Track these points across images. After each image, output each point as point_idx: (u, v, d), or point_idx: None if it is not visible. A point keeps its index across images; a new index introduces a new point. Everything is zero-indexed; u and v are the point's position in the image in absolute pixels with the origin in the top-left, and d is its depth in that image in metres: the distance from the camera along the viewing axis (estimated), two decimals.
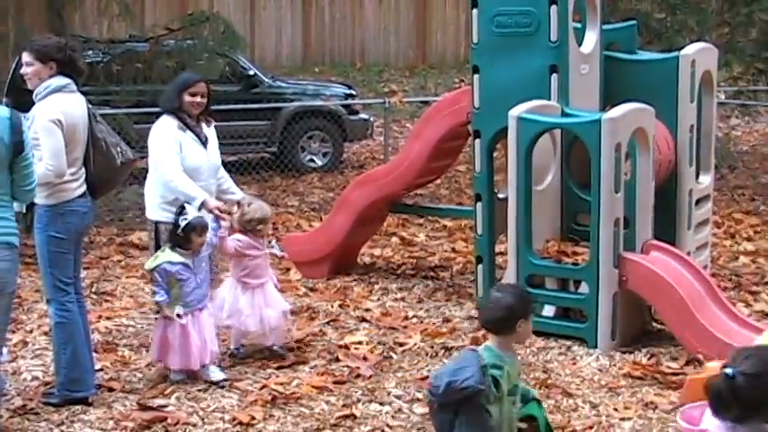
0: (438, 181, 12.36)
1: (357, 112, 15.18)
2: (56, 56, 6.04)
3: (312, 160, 14.82)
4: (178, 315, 6.45)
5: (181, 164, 6.83)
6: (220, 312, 6.96)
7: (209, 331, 6.64)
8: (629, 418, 5.98)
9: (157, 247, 6.86)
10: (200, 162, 6.98)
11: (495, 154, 8.16)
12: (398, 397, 6.36)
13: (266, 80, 14.85)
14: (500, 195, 7.96)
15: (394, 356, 7.09)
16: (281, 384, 6.53)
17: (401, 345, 7.28)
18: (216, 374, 6.63)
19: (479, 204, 7.97)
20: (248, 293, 6.97)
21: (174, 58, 12.29)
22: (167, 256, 6.51)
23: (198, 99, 6.98)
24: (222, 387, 6.50)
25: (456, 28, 23.76)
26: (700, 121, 8.27)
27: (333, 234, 9.05)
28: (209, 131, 7.18)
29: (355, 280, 8.99)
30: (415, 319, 7.90)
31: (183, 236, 6.47)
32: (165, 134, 6.90)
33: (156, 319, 6.90)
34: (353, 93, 15.94)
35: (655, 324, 7.54)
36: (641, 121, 7.22)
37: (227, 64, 14.05)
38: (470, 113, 8.01)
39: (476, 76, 7.87)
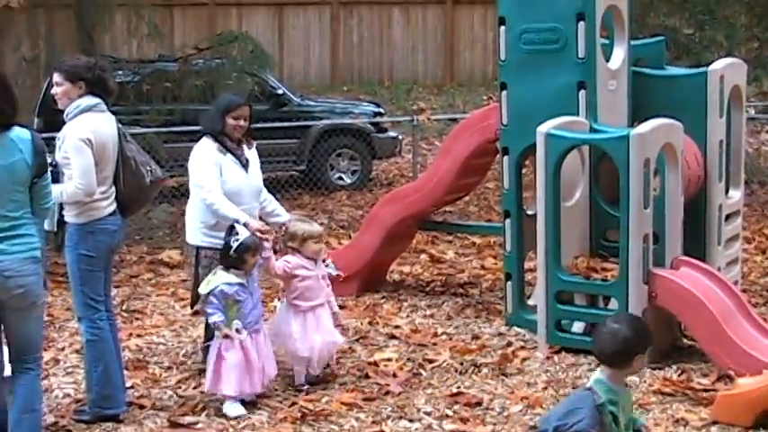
0: (467, 198, 12.36)
1: (386, 130, 15.21)
2: (85, 75, 6.11)
3: (341, 178, 14.86)
4: (237, 330, 6.31)
5: (221, 187, 6.71)
6: (272, 337, 6.78)
7: (267, 353, 6.54)
8: None
9: (197, 273, 6.85)
10: (241, 185, 6.85)
11: (523, 170, 8.18)
12: (428, 413, 6.35)
13: (295, 99, 14.91)
14: (529, 212, 7.96)
15: (423, 373, 7.08)
16: (311, 401, 6.54)
17: (430, 361, 7.28)
18: (233, 411, 6.34)
19: (508, 221, 7.98)
20: (299, 317, 6.73)
21: (202, 78, 12.38)
22: (223, 277, 6.37)
23: (241, 123, 6.90)
24: (252, 404, 6.51)
25: (484, 46, 23.77)
26: (729, 137, 8.24)
27: (362, 251, 9.07)
28: (251, 153, 7.05)
29: (384, 297, 9.00)
30: (444, 336, 7.90)
31: (236, 257, 6.34)
32: (205, 157, 6.80)
33: (203, 348, 6.96)
34: (382, 111, 15.97)
35: (685, 340, 7.51)
36: (670, 136, 7.21)
37: (256, 83, 14.09)
38: (498, 130, 8.03)
39: (503, 93, 7.90)
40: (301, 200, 13.98)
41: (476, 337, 7.86)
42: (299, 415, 6.30)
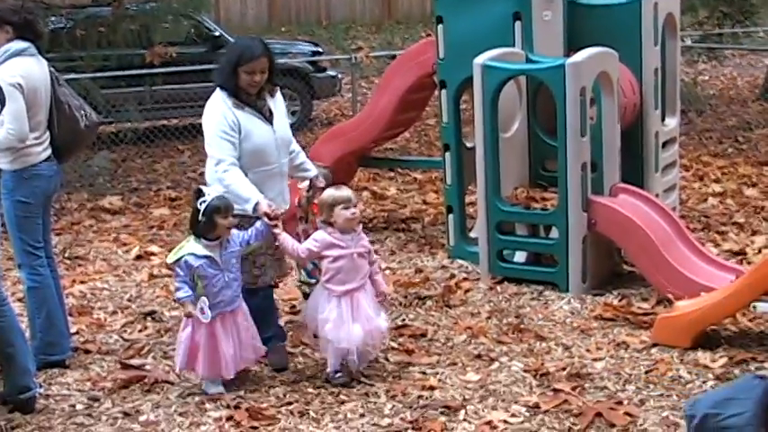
0: (408, 135, 12.41)
1: (324, 70, 15.14)
2: (11, 19, 5.99)
3: None
4: (202, 311, 5.58)
5: (243, 146, 5.75)
6: (313, 321, 5.90)
7: (244, 336, 5.79)
8: (602, 359, 6.05)
9: None
10: (267, 140, 5.86)
11: (462, 105, 8.19)
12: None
13: (232, 40, 14.74)
14: (468, 145, 7.99)
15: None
16: None
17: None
18: (211, 388, 5.75)
19: (448, 154, 8.01)
20: (333, 302, 5.74)
21: (137, 22, 12.22)
22: (191, 247, 5.64)
23: (257, 78, 5.81)
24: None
25: None
26: (664, 65, 8.30)
27: (303, 190, 9.04)
28: (275, 102, 6.04)
29: None
30: (388, 271, 7.93)
31: (205, 221, 5.54)
32: (217, 117, 5.77)
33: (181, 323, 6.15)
34: (320, 50, 15.88)
35: (625, 266, 7.61)
36: (605, 65, 7.25)
37: (192, 26, 13.99)
38: (435, 64, 8.02)
39: (440, 27, 7.89)
40: None
41: (419, 271, 7.91)
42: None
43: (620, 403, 5.42)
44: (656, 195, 7.85)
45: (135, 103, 12.78)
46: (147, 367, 6.22)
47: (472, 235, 8.01)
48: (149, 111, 13.36)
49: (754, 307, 6.03)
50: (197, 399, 5.70)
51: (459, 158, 7.96)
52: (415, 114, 9.37)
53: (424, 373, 5.96)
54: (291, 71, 14.71)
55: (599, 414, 5.27)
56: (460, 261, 7.98)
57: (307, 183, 6.23)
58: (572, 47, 7.77)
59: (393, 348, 6.32)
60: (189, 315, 5.64)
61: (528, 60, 7.49)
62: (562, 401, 5.44)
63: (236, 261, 5.72)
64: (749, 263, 7.42)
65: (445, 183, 8.15)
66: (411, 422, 5.30)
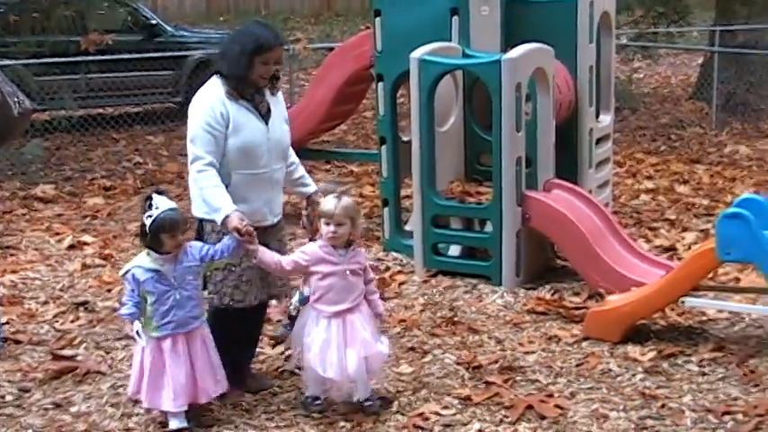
0: (345, 127, 12.43)
1: None
2: None
3: None
4: (138, 333, 5.00)
5: (231, 142, 5.18)
6: (298, 346, 5.36)
7: (201, 365, 5.15)
8: (533, 352, 6.11)
9: None
10: (258, 140, 5.25)
11: (399, 98, 8.22)
12: None
13: (169, 29, 14.66)
14: (404, 138, 8.02)
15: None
16: None
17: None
18: (175, 423, 5.13)
19: (384, 147, 8.03)
20: (322, 324, 5.18)
21: (72, 7, 12.09)
22: (140, 259, 5.08)
23: (272, 69, 5.30)
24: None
25: None
26: (599, 62, 8.41)
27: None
28: (275, 100, 5.46)
29: None
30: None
31: (151, 236, 4.99)
32: (206, 108, 5.18)
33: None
34: None
35: (558, 260, 7.69)
36: (541, 61, 7.32)
37: (129, 13, 13.89)
38: (373, 57, 8.04)
39: (377, 20, 7.90)
40: (179, 132, 13.78)
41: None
42: None
43: (550, 396, 5.48)
44: (590, 191, 7.94)
45: (69, 90, 12.63)
46: (79, 358, 6.17)
47: (407, 228, 8.04)
48: (84, 99, 13.23)
49: (683, 302, 6.14)
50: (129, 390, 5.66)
51: (396, 152, 7.98)
52: (352, 107, 9.39)
53: None
54: None
55: (530, 407, 5.33)
56: (395, 254, 8.01)
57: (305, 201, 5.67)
58: (509, 43, 7.83)
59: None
60: (127, 335, 5.21)
61: (465, 55, 7.53)
62: (494, 394, 5.49)
63: (193, 278, 5.10)
64: (679, 258, 7.52)
65: (381, 176, 8.17)
66: (343, 414, 5.31)
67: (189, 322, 5.10)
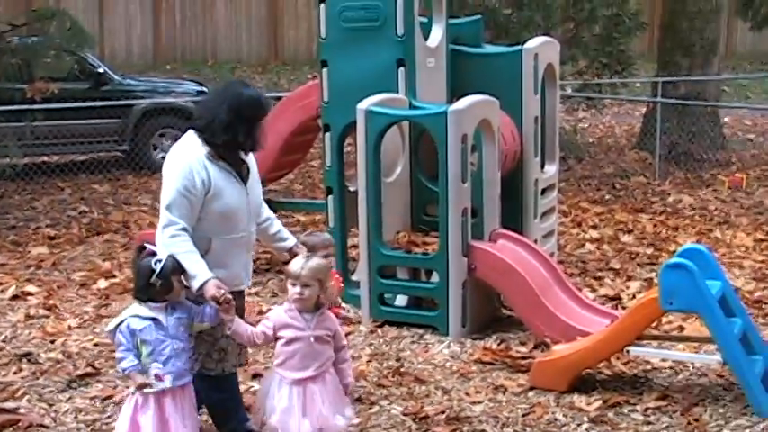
0: (292, 176, 12.44)
1: None
2: None
3: (164, 158, 14.59)
4: (157, 376, 4.83)
5: (212, 208, 5.00)
6: (262, 407, 5.12)
7: (190, 419, 5.01)
8: (480, 402, 6.12)
9: None
10: (239, 204, 5.09)
11: (346, 148, 8.25)
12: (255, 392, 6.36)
13: (116, 78, 14.62)
14: (351, 188, 8.04)
15: (249, 350, 7.07)
16: None
17: None
18: None
19: (330, 198, 8.05)
20: (284, 389, 4.99)
21: (19, 55, 11.99)
22: (133, 309, 4.91)
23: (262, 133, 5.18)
24: (75, 388, 6.40)
25: (308, 23, 23.78)
26: (544, 113, 8.51)
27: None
28: (250, 160, 5.27)
29: None
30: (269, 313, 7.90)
31: (161, 282, 4.81)
32: (185, 169, 4.94)
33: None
34: (205, 90, 15.80)
35: (504, 310, 7.73)
36: (486, 112, 7.39)
37: (76, 61, 13.81)
38: (320, 107, 8.07)
39: (324, 71, 7.95)
40: (125, 180, 13.76)
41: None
42: None
43: None
44: (535, 241, 8.01)
45: (14, 138, 12.50)
46: (22, 410, 6.08)
47: (354, 278, 8.04)
48: (29, 147, 13.11)
49: (628, 351, 6.19)
50: None
51: (342, 202, 8.00)
52: (299, 156, 9.42)
53: None
54: (176, 110, 14.63)
55: None
56: (342, 304, 7.99)
57: (288, 254, 5.43)
58: (455, 94, 7.91)
59: None
60: (142, 386, 4.82)
61: (411, 106, 7.59)
62: None
63: (184, 329, 4.93)
64: (624, 307, 7.59)
65: (328, 225, 8.18)
66: None
67: (185, 374, 4.94)
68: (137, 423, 4.86)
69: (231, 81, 5.48)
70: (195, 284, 4.84)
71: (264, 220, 5.42)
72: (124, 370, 4.85)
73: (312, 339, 4.93)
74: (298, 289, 4.89)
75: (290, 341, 4.92)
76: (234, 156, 5.08)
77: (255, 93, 5.18)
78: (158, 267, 4.80)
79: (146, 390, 4.84)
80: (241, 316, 5.12)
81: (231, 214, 5.05)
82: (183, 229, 4.91)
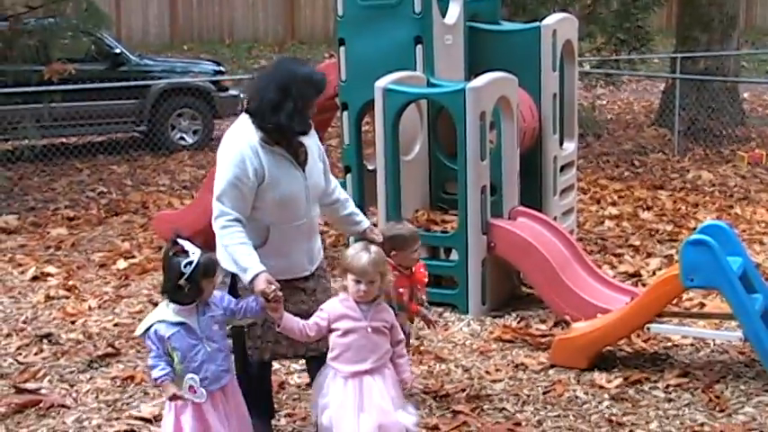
0: None
1: (227, 89, 15.11)
2: None
3: (182, 138, 14.70)
4: (191, 389, 4.53)
5: (269, 197, 4.78)
6: (316, 405, 4.84)
7: (237, 417, 4.73)
8: (500, 380, 6.12)
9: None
10: (297, 189, 4.84)
11: (364, 127, 8.23)
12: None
13: (133, 58, 14.64)
14: (369, 167, 8.03)
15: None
16: None
17: None
18: None
19: (349, 176, 8.03)
20: (338, 384, 4.70)
21: (35, 37, 12.01)
22: (160, 313, 4.57)
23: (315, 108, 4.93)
24: (96, 368, 6.43)
25: (325, 2, 23.75)
26: (562, 90, 8.46)
27: (203, 210, 8.86)
28: (310, 141, 4.98)
29: None
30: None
31: (190, 285, 4.47)
32: (238, 158, 4.73)
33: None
34: (223, 69, 15.85)
35: (524, 288, 7.71)
36: (505, 89, 7.35)
37: (93, 42, 13.84)
38: (338, 86, 8.05)
39: (342, 49, 7.92)
40: (142, 161, 13.78)
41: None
42: None
43: (518, 424, 5.49)
44: (554, 218, 7.98)
45: (32, 120, 12.55)
46: (43, 391, 6.11)
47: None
48: (47, 128, 13.15)
49: (648, 328, 6.17)
50: (94, 422, 5.63)
51: (361, 180, 7.99)
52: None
53: None
54: (193, 90, 14.65)
55: None
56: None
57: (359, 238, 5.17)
58: (473, 71, 7.88)
59: (295, 371, 6.31)
60: (174, 398, 4.51)
61: (429, 84, 7.56)
62: (461, 423, 5.49)
63: (219, 328, 4.62)
64: (644, 285, 7.56)
65: None
66: None
67: (222, 376, 4.62)
68: (180, 426, 4.56)
69: (282, 58, 5.24)
70: (246, 278, 4.59)
71: (334, 201, 5.18)
72: (156, 379, 4.54)
73: (369, 330, 4.65)
74: (363, 287, 4.60)
75: (345, 332, 4.64)
76: (289, 140, 4.80)
77: (307, 70, 4.87)
78: (188, 270, 4.43)
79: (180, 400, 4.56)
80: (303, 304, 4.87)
81: (289, 202, 4.81)
82: (236, 220, 4.69)
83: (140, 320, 7.03)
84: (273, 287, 4.50)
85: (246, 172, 4.70)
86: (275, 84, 4.78)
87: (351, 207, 5.24)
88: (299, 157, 4.85)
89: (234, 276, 4.82)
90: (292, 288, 4.85)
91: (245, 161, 4.71)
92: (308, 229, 4.93)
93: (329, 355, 4.71)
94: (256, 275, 4.54)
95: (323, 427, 4.72)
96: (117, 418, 5.70)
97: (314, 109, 4.86)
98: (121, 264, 8.80)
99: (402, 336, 4.88)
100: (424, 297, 5.67)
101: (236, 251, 4.63)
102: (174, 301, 4.52)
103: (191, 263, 4.42)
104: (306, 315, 4.74)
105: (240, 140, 4.76)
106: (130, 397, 6.01)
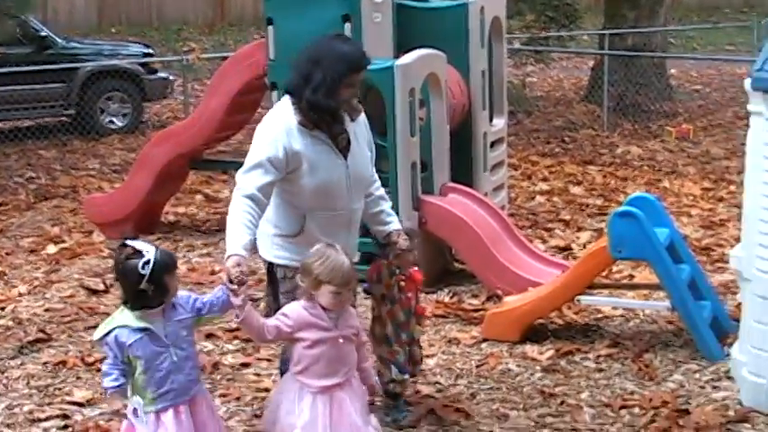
0: (241, 137, 12.31)
1: (156, 72, 14.97)
2: None
3: (112, 122, 14.54)
4: (134, 412, 4.09)
5: (305, 183, 4.52)
6: (274, 424, 4.38)
7: None
8: (434, 355, 6.15)
9: (275, 297, 4.73)
10: (337, 177, 4.57)
11: None
12: (211, 350, 6.35)
13: (60, 41, 14.44)
14: None
15: None
16: None
17: None
18: None
19: None
20: (306, 400, 4.26)
21: None
22: (122, 317, 4.10)
23: (356, 90, 4.67)
24: (27, 354, 6.35)
25: None
26: (491, 67, 8.50)
27: (134, 193, 8.92)
28: (355, 127, 4.73)
29: (159, 238, 8.88)
30: (222, 273, 7.87)
31: (154, 288, 4.03)
32: (272, 140, 4.48)
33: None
34: (151, 52, 15.68)
35: (456, 264, 7.75)
36: (433, 66, 7.37)
37: (18, 25, 13.62)
38: (266, 66, 8.01)
39: (270, 29, 7.88)
40: (72, 145, 13.61)
41: (252, 273, 7.84)
42: None
43: (451, 398, 5.52)
44: (485, 194, 8.02)
45: None
46: None
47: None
48: None
49: (579, 300, 6.24)
50: (25, 409, 5.56)
51: None
52: (246, 116, 9.33)
53: (258, 374, 5.95)
54: (122, 73, 14.49)
55: (431, 409, 5.36)
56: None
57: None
58: (401, 49, 7.88)
59: (230, 351, 6.29)
60: (117, 414, 4.19)
61: None
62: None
63: (187, 333, 4.18)
64: (575, 258, 7.64)
65: None
66: (245, 421, 5.28)
67: (190, 387, 4.17)
68: None
69: (328, 35, 4.87)
70: (225, 258, 4.24)
71: (368, 195, 4.82)
72: (106, 389, 4.13)
73: (341, 341, 4.27)
74: (344, 298, 4.24)
75: (314, 343, 4.22)
76: (328, 123, 4.54)
77: (344, 46, 4.64)
78: (147, 270, 3.99)
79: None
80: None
81: (327, 190, 4.53)
82: (251, 197, 4.37)
83: (71, 305, 7.12)
84: (240, 269, 4.12)
85: (276, 153, 4.43)
86: (308, 56, 4.59)
87: (384, 205, 4.92)
88: (339, 144, 4.59)
89: (271, 267, 4.69)
90: None
91: (277, 142, 4.45)
92: (347, 220, 4.66)
93: (294, 369, 4.30)
94: (228, 257, 4.18)
95: None
96: (49, 404, 5.64)
97: (351, 89, 4.57)
98: (51, 249, 8.69)
99: (366, 338, 4.62)
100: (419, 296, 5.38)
101: (229, 228, 4.31)
102: (139, 308, 4.07)
103: (148, 262, 4.00)
104: None
105: (277, 121, 4.54)
106: (62, 382, 5.95)
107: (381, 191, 4.93)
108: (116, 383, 4.07)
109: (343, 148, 4.59)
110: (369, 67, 4.76)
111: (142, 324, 4.04)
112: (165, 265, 4.04)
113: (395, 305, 5.02)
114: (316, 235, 4.49)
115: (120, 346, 4.04)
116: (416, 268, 5.17)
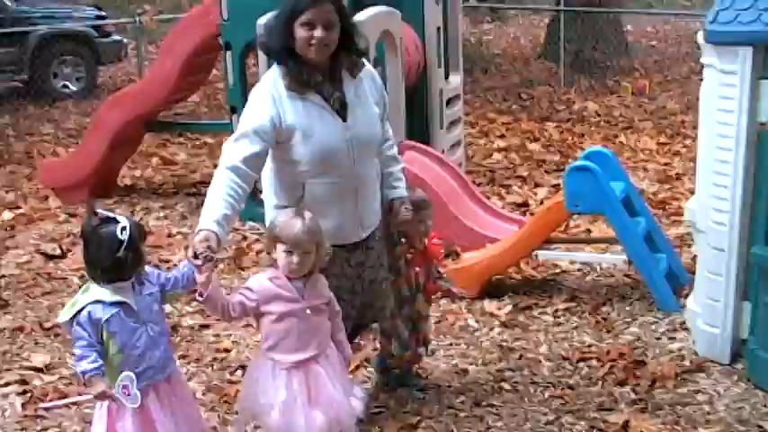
0: (197, 98, 12.28)
1: (109, 34, 14.83)
2: None
3: (66, 86, 14.41)
4: (125, 388, 3.71)
5: (300, 150, 4.16)
6: (250, 406, 4.21)
7: (185, 416, 4.01)
8: None
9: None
10: (335, 142, 4.20)
11: (249, 67, 8.14)
12: (168, 314, 6.31)
13: (10, 5, 14.26)
14: None
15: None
16: None
17: (166, 261, 7.22)
18: None
19: (235, 117, 7.94)
20: (281, 378, 4.07)
21: None
22: (93, 293, 3.76)
23: (319, 33, 4.10)
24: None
25: None
26: (446, 24, 8.48)
27: (89, 157, 8.85)
28: (357, 85, 4.32)
29: (116, 202, 8.84)
30: (179, 236, 7.86)
31: (132, 254, 3.73)
32: (257, 107, 4.16)
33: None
34: (104, 14, 15.52)
35: None
36: (388, 24, 7.34)
37: None
38: (220, 26, 7.94)
39: None
40: (26, 110, 13.47)
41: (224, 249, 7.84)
42: None
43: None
44: (443, 151, 8.02)
45: None
46: None
47: (262, 196, 7.97)
48: None
49: (536, 255, 6.27)
50: None
51: None
52: (201, 77, 9.27)
53: (218, 335, 5.94)
54: (74, 36, 14.34)
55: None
56: (252, 223, 7.95)
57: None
58: (356, 7, 7.81)
59: (187, 313, 6.27)
60: (103, 396, 3.73)
61: None
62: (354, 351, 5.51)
63: (158, 308, 3.93)
64: (532, 214, 7.67)
65: None
66: (205, 382, 5.28)
67: (166, 364, 3.93)
68: (115, 428, 3.84)
69: None
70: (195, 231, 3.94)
71: (378, 154, 4.48)
72: (84, 373, 3.69)
73: (308, 312, 4.06)
74: (295, 258, 3.97)
75: (281, 317, 4.03)
76: (317, 81, 4.19)
77: None
78: (126, 236, 3.70)
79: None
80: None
81: (325, 155, 4.17)
82: (231, 168, 4.03)
83: (28, 271, 7.06)
84: (207, 244, 3.79)
85: (263, 123, 4.11)
86: (277, 11, 4.28)
87: (393, 167, 4.59)
88: (332, 102, 4.22)
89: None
90: (334, 257, 4.24)
91: (264, 111, 4.14)
92: (351, 188, 4.28)
93: (264, 345, 4.10)
94: (199, 231, 3.86)
95: (271, 428, 4.09)
96: (8, 369, 5.59)
97: (307, 28, 4.10)
98: (6, 215, 8.61)
99: (338, 308, 4.26)
100: (441, 270, 5.21)
101: (206, 200, 4.00)
102: (113, 281, 3.76)
103: (125, 227, 3.71)
104: (346, 293, 4.35)
105: (264, 89, 4.22)
106: (20, 348, 5.89)
107: (393, 150, 4.62)
108: (95, 365, 3.69)
109: (339, 107, 4.24)
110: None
111: (117, 298, 3.75)
112: (140, 231, 3.82)
113: (400, 277, 4.75)
114: (315, 205, 4.18)
115: (95, 324, 3.71)
116: (435, 241, 4.95)
